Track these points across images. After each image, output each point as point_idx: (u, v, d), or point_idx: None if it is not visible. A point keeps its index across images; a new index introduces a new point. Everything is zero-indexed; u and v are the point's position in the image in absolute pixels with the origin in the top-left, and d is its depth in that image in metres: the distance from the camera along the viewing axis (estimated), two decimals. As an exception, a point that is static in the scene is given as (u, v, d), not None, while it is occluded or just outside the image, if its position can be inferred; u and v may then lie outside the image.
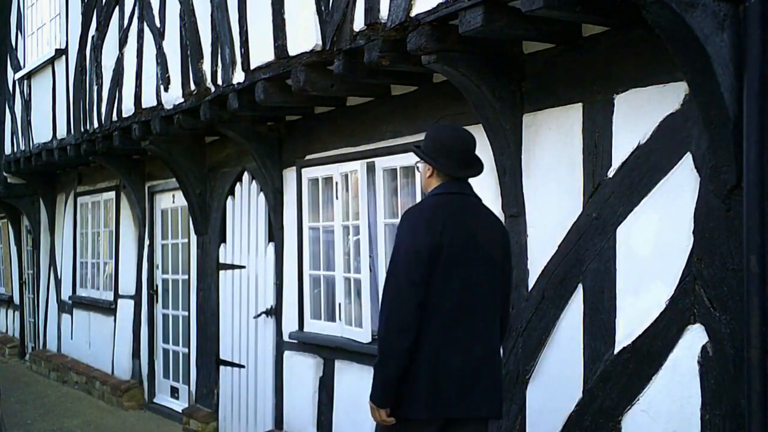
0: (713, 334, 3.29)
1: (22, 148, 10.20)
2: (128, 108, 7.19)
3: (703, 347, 3.32)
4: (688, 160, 3.40)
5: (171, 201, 8.24)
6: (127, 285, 9.02)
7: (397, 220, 5.10)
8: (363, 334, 5.33)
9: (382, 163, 5.23)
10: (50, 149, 9.20)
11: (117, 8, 7.52)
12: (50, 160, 9.36)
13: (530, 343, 4.05)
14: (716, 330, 3.28)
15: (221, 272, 7.17)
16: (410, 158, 4.97)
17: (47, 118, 9.34)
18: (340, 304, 5.61)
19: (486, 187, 4.18)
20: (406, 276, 3.17)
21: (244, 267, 6.83)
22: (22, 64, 10.42)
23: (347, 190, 5.58)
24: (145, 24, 6.94)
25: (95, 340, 9.77)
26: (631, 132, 3.64)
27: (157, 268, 8.52)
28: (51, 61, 9.29)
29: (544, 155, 4.08)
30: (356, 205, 5.47)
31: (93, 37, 8.08)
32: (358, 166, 5.42)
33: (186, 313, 7.87)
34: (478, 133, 3.85)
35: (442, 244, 3.18)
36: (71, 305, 10.43)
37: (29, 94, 10.08)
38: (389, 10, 4.01)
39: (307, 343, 5.94)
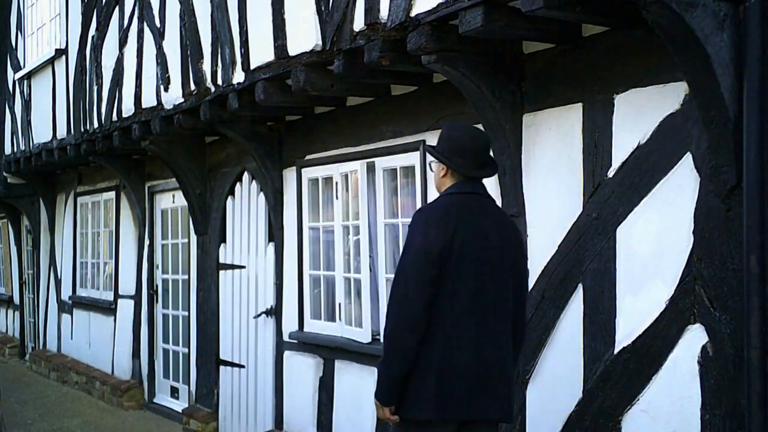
0: (713, 334, 3.29)
1: (22, 148, 10.20)
2: (128, 108, 7.19)
3: (703, 347, 3.32)
4: (688, 160, 3.40)
5: (171, 201, 8.24)
6: (127, 285, 9.02)
7: (397, 220, 5.14)
8: (363, 334, 5.33)
9: (382, 163, 5.23)
10: (50, 149, 9.20)
11: (117, 8, 7.52)
12: (50, 160, 9.36)
13: (530, 343, 4.05)
14: (716, 330, 3.28)
15: (221, 272, 7.17)
16: (410, 158, 4.98)
17: (47, 118, 9.34)
18: (340, 304, 5.61)
19: (486, 187, 4.18)
20: (415, 276, 3.15)
21: (244, 267, 6.83)
22: (22, 64, 10.42)
23: (347, 190, 5.58)
24: (145, 24, 6.94)
25: (95, 340, 9.77)
26: (631, 132, 3.64)
27: (157, 268, 8.52)
28: (51, 61, 9.29)
29: (544, 155, 4.08)
30: (356, 205, 5.47)
31: (93, 37, 8.08)
32: (358, 166, 5.42)
33: (186, 313, 7.87)
34: (478, 133, 3.85)
35: (453, 244, 3.17)
36: (71, 305, 10.43)
37: (29, 94, 10.08)
38: (389, 10, 4.01)
39: (307, 343, 5.94)
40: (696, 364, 3.35)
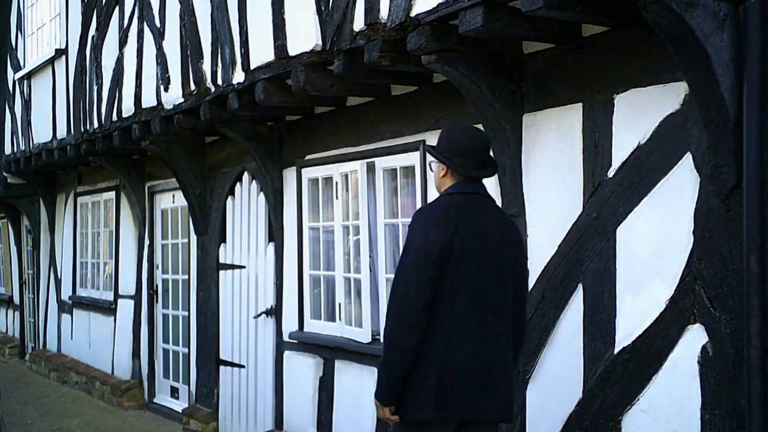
0: (713, 334, 3.29)
1: (22, 148, 10.20)
2: (128, 108, 7.19)
3: (703, 347, 3.32)
4: (688, 160, 3.40)
5: (171, 201, 8.24)
6: (127, 285, 9.02)
7: (397, 220, 5.14)
8: (363, 334, 5.33)
9: (382, 163, 5.23)
10: (50, 149, 9.20)
11: (117, 8, 7.52)
12: (50, 160, 9.36)
13: (530, 343, 4.05)
14: (716, 330, 3.28)
15: (221, 272, 7.17)
16: (410, 158, 4.98)
17: (47, 118, 9.34)
18: (340, 304, 5.61)
19: (486, 187, 4.18)
20: (415, 276, 3.15)
21: (244, 267, 6.83)
22: (22, 64, 10.42)
23: (347, 190, 5.58)
24: (145, 24, 6.94)
25: (95, 340, 9.77)
26: (631, 132, 3.64)
27: (157, 268, 8.52)
28: (51, 61, 9.29)
29: (544, 155, 4.08)
30: (356, 205, 5.47)
31: (93, 37, 8.08)
32: (358, 166, 5.42)
33: (186, 313, 7.87)
34: (478, 133, 3.85)
35: (453, 244, 3.17)
36: (71, 305, 10.43)
37: (29, 94, 10.08)
38: (389, 10, 4.01)
39: (307, 343, 5.94)
40: (696, 364, 3.35)
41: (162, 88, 6.57)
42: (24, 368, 11.54)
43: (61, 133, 8.92)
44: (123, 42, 7.37)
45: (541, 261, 4.06)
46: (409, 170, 5.05)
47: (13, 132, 10.66)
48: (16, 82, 10.58)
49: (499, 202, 4.23)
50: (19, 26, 10.57)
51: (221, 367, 7.14)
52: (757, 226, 3.02)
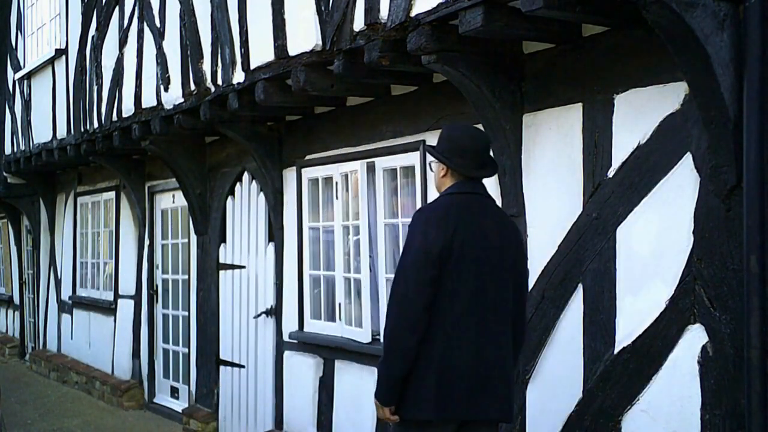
0: (713, 334, 3.29)
1: (22, 148, 10.20)
2: (128, 108, 7.19)
3: (703, 347, 3.32)
4: (688, 160, 3.40)
5: (171, 201, 8.24)
6: (127, 285, 9.02)
7: (397, 220, 5.14)
8: (363, 334, 5.33)
9: (382, 163, 5.23)
10: (50, 149, 9.20)
11: (117, 8, 7.52)
12: (50, 160, 9.36)
13: (530, 343, 4.05)
14: (716, 330, 3.28)
15: (221, 272, 7.17)
16: (410, 158, 4.97)
17: (47, 118, 9.34)
18: (340, 304, 5.61)
19: (486, 187, 4.18)
20: (415, 276, 3.15)
21: (244, 267, 6.83)
22: (22, 64, 10.42)
23: (347, 190, 5.58)
24: (145, 24, 6.94)
25: (95, 340, 9.77)
26: (631, 132, 3.64)
27: (157, 268, 8.52)
28: (51, 61, 9.29)
29: (544, 155, 4.08)
30: (356, 205, 5.47)
31: (93, 37, 8.08)
32: (358, 166, 5.42)
33: (186, 313, 7.87)
34: (478, 133, 3.85)
35: (453, 244, 3.17)
36: (71, 305, 10.43)
37: (29, 94, 10.08)
38: (389, 10, 4.01)
39: (307, 343, 5.94)
40: (696, 364, 3.35)
41: (162, 88, 6.57)
42: (24, 368, 11.54)
43: (61, 133, 8.92)
44: (123, 42, 7.37)
45: (541, 261, 4.06)
46: (409, 170, 5.05)
47: (13, 132, 10.66)
48: (16, 82, 10.58)
49: (499, 202, 4.23)
50: (19, 26, 10.57)
51: (221, 367, 7.14)
52: (757, 226, 3.02)
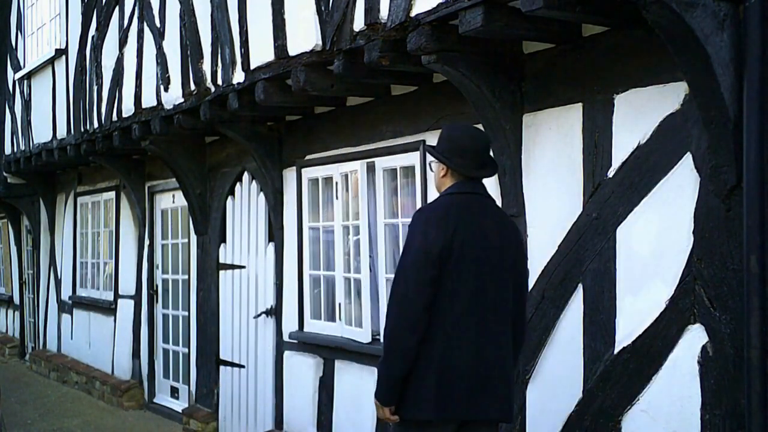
0: (713, 334, 3.29)
1: (22, 148, 10.20)
2: (128, 108, 7.19)
3: (703, 347, 3.32)
4: (688, 160, 3.40)
5: (171, 201, 8.24)
6: (127, 285, 9.02)
7: (397, 220, 5.14)
8: (363, 334, 5.33)
9: (382, 163, 5.23)
10: (50, 149, 9.20)
11: (117, 8, 7.52)
12: (50, 160, 9.36)
13: (530, 343, 4.05)
14: (716, 330, 3.28)
15: (221, 272, 7.17)
16: (410, 158, 4.97)
17: (47, 118, 9.34)
18: (340, 304, 5.61)
19: (486, 187, 4.18)
20: (415, 276, 3.15)
21: (244, 267, 6.83)
22: (22, 64, 10.42)
23: (347, 190, 5.58)
24: (145, 24, 6.94)
25: (95, 340, 9.77)
26: (631, 132, 3.64)
27: (157, 268, 8.52)
28: (51, 61, 9.29)
29: (544, 155, 4.08)
30: (356, 205, 5.47)
31: (93, 37, 8.08)
32: (358, 166, 5.42)
33: (186, 313, 7.87)
34: (478, 133, 3.85)
35: (453, 244, 3.16)
36: (71, 305, 10.43)
37: (29, 94, 10.08)
38: (389, 10, 4.01)
39: (307, 343, 5.94)
40: (696, 364, 3.35)
41: (162, 88, 6.57)
42: (24, 368, 11.54)
43: (61, 133, 8.92)
44: (123, 42, 7.37)
45: (541, 261, 4.06)
46: (409, 170, 5.05)
47: (13, 132, 10.66)
48: (16, 82, 10.58)
49: (499, 202, 4.23)
50: (19, 26, 10.57)
51: (221, 367, 7.14)
52: (757, 226, 3.02)
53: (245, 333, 6.79)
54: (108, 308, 9.38)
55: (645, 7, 3.01)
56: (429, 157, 3.66)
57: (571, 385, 3.88)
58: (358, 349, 5.35)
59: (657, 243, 3.52)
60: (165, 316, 8.42)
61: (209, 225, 7.35)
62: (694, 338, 3.36)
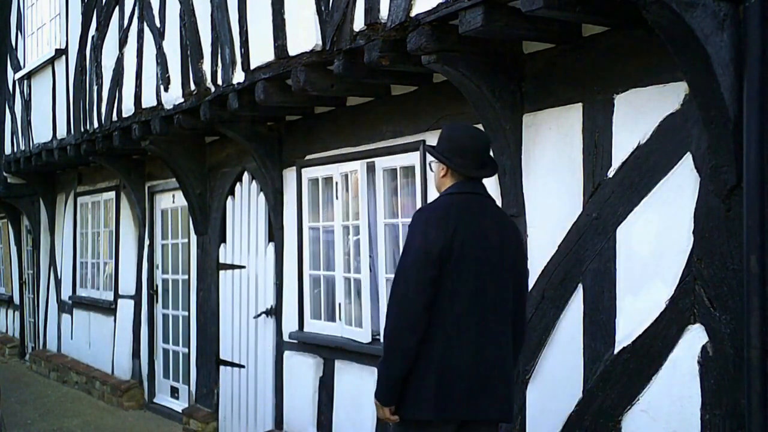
0: (713, 334, 3.29)
1: (22, 148, 10.20)
2: (128, 108, 7.19)
3: (703, 347, 3.32)
4: (688, 160, 3.40)
5: (171, 201, 8.24)
6: (127, 285, 9.02)
7: (397, 220, 5.14)
8: (363, 334, 5.33)
9: (382, 163, 5.23)
10: (50, 149, 9.20)
11: (117, 8, 7.52)
12: (50, 160, 9.36)
13: (530, 343, 4.05)
14: (716, 330, 3.28)
15: (221, 272, 7.17)
16: (410, 158, 4.97)
17: (47, 118, 9.34)
18: (340, 304, 5.61)
19: (486, 187, 4.18)
20: (415, 276, 3.15)
21: (244, 267, 6.83)
22: (22, 64, 10.42)
23: (347, 190, 5.58)
24: (145, 24, 6.94)
25: (95, 340, 9.77)
26: (631, 132, 3.64)
27: (157, 268, 8.52)
28: (51, 61, 9.29)
29: (544, 155, 4.08)
30: (356, 205, 5.47)
31: (93, 37, 8.08)
32: (358, 166, 5.42)
33: (186, 313, 7.87)
34: (478, 133, 3.85)
35: (453, 244, 3.16)
36: (71, 305, 10.43)
37: (29, 94, 10.08)
38: (389, 10, 4.01)
39: (307, 343, 5.94)
40: (696, 364, 3.35)
41: (162, 88, 6.57)
42: (24, 368, 11.54)
43: (61, 133, 8.92)
44: (123, 42, 7.37)
45: (541, 261, 4.06)
46: (409, 170, 5.05)
47: (13, 132, 10.66)
48: (16, 82, 10.58)
49: (499, 202, 4.23)
50: (19, 26, 10.57)
51: (221, 367, 7.14)
52: (757, 226, 3.02)
53: (245, 333, 6.79)
54: (108, 308, 9.38)
55: (645, 7, 3.01)
56: (429, 157, 3.65)
57: (571, 385, 3.88)
58: (358, 349, 5.35)
59: (657, 243, 3.52)
60: (165, 316, 8.42)
61: (209, 225, 7.35)
62: (694, 338, 3.36)
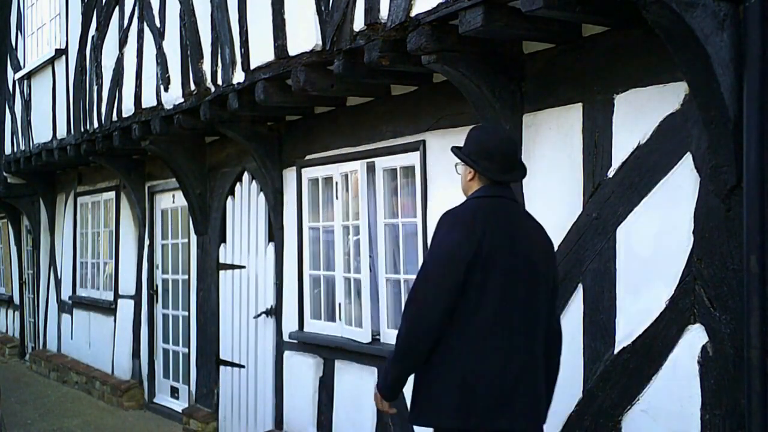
0: (713, 334, 3.29)
1: (22, 148, 10.20)
2: (128, 108, 7.20)
3: (703, 347, 3.32)
4: (688, 160, 3.40)
5: (171, 201, 8.24)
6: (127, 285, 9.02)
7: (397, 220, 5.14)
8: (363, 334, 5.33)
9: (382, 163, 5.23)
10: (50, 149, 9.20)
11: (117, 8, 7.52)
12: (50, 160, 9.36)
13: (530, 343, 4.04)
14: (716, 330, 3.28)
15: (221, 272, 7.17)
16: (410, 158, 4.97)
17: (47, 118, 9.34)
18: (340, 304, 5.61)
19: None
20: (436, 280, 3.03)
21: (244, 267, 6.83)
22: (22, 64, 10.42)
23: (347, 190, 5.58)
24: (145, 24, 6.94)
25: (95, 340, 9.77)
26: (631, 132, 3.64)
27: (157, 268, 8.52)
28: (51, 61, 9.29)
29: (544, 155, 4.08)
30: (356, 205, 5.47)
31: (93, 37, 8.08)
32: (358, 166, 5.42)
33: (186, 313, 7.87)
34: (478, 133, 3.84)
35: (481, 249, 3.03)
36: (71, 305, 10.43)
37: (29, 94, 10.08)
38: (389, 10, 4.01)
39: (307, 343, 5.94)
40: (696, 364, 3.35)
41: (162, 88, 6.57)
42: (24, 368, 11.54)
43: (61, 133, 8.92)
44: (123, 42, 7.37)
45: (541, 261, 4.06)
46: (409, 170, 5.05)
47: (13, 132, 10.66)
48: (16, 82, 10.58)
49: (499, 202, 4.23)
50: (19, 26, 10.57)
51: (221, 367, 7.14)
52: (757, 226, 3.02)
53: (245, 333, 6.79)
54: (108, 308, 9.38)
55: (645, 7, 3.01)
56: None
57: (571, 385, 3.88)
58: (358, 349, 5.35)
59: (657, 243, 3.52)
60: (165, 316, 8.42)
61: (209, 225, 7.35)
62: (694, 338, 3.36)
